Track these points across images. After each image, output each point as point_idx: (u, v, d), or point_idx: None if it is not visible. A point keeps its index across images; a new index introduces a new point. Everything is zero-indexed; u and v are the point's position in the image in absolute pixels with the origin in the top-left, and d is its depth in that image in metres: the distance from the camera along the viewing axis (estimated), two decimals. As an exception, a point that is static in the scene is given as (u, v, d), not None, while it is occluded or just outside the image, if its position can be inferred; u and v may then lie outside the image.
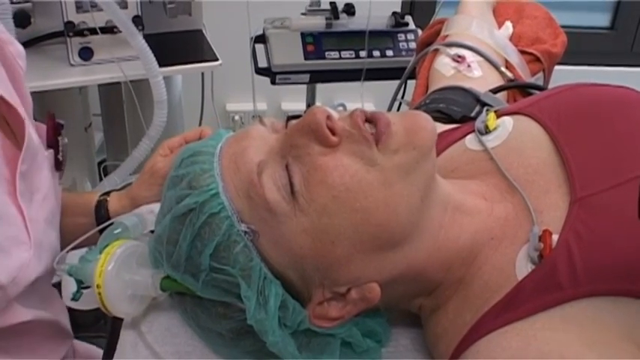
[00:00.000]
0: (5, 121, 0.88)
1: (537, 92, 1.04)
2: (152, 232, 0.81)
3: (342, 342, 0.74)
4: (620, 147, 0.74)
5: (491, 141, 0.83)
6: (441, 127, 0.92)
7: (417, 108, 1.05)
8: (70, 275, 0.80)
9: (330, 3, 1.71)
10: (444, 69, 1.13)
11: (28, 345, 0.91)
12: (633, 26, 2.61)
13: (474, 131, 0.86)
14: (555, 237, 0.69)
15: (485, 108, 0.92)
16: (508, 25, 1.23)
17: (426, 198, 0.70)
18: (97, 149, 2.09)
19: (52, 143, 0.94)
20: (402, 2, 2.34)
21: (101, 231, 0.85)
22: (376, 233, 0.68)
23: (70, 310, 0.99)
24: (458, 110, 0.97)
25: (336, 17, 1.69)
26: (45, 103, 1.50)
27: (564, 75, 1.27)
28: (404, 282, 0.73)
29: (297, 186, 0.67)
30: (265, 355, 0.72)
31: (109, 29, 1.48)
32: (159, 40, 1.53)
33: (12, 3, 1.40)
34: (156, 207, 0.82)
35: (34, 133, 0.88)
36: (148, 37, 1.44)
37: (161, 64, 1.47)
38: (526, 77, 1.17)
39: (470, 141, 0.86)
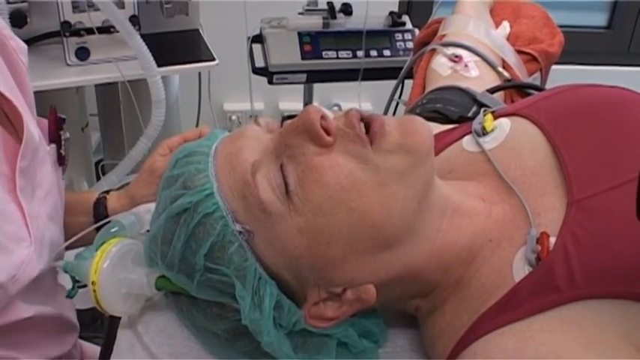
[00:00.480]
0: (6, 117, 0.88)
1: (534, 92, 1.04)
2: (149, 231, 0.81)
3: (339, 342, 0.74)
4: (618, 148, 0.74)
5: (489, 142, 0.82)
6: (438, 128, 0.92)
7: (414, 108, 1.04)
8: (66, 272, 0.80)
9: (328, 3, 1.71)
10: (441, 69, 1.13)
11: (31, 340, 0.91)
12: (630, 26, 2.62)
13: (471, 132, 0.85)
14: (553, 239, 0.69)
15: (482, 109, 0.92)
16: (505, 24, 1.23)
17: (424, 201, 0.70)
18: (93, 149, 2.09)
19: (54, 138, 0.94)
20: (400, 2, 2.34)
21: (98, 229, 0.85)
22: (371, 234, 0.68)
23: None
24: (455, 110, 0.97)
25: (334, 17, 1.69)
26: (41, 104, 1.49)
27: (561, 75, 1.27)
28: (401, 283, 0.73)
29: (292, 186, 0.67)
30: (261, 356, 0.72)
31: (106, 29, 1.48)
32: (156, 39, 1.53)
33: (8, 3, 1.40)
34: (154, 206, 0.82)
35: (34, 129, 0.88)
36: (144, 37, 1.44)
37: (158, 64, 1.47)
38: (523, 77, 1.17)
39: (467, 142, 0.85)
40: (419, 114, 0.99)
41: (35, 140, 0.87)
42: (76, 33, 1.47)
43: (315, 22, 1.68)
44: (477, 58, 1.13)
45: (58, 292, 0.95)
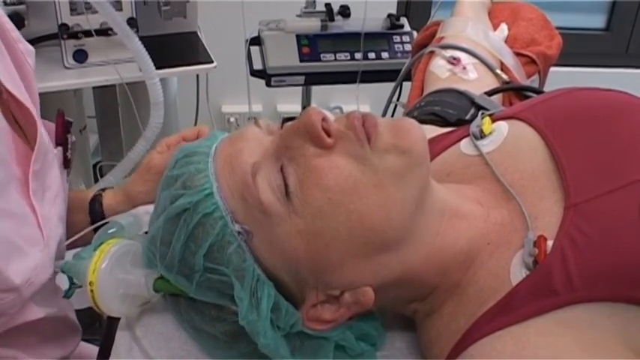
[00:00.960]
0: (14, 120, 0.88)
1: (533, 95, 1.04)
2: (147, 233, 0.81)
3: (336, 345, 0.74)
4: (616, 152, 0.74)
5: (487, 146, 0.82)
6: (436, 131, 0.92)
7: (412, 110, 1.04)
8: (64, 272, 0.80)
9: (326, 5, 1.71)
10: (440, 71, 1.13)
11: (36, 342, 0.91)
12: (628, 28, 2.62)
13: (468, 135, 0.85)
14: (550, 243, 0.69)
15: (480, 112, 0.92)
16: (503, 27, 1.23)
17: (421, 204, 0.70)
18: (91, 152, 2.09)
19: (61, 141, 0.94)
20: (398, 4, 2.35)
21: (97, 230, 0.85)
22: (370, 236, 0.68)
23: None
24: (453, 113, 0.97)
25: (332, 19, 1.69)
26: (39, 106, 1.49)
27: (560, 77, 1.27)
28: (399, 286, 0.72)
29: (292, 187, 0.67)
30: (259, 357, 0.72)
31: (104, 31, 1.48)
32: (153, 42, 1.53)
33: (5, 5, 1.41)
34: (152, 208, 0.82)
35: (44, 132, 0.89)
36: (142, 40, 1.44)
37: (156, 67, 1.46)
38: (521, 79, 1.17)
39: (465, 145, 0.85)
40: (417, 116, 0.99)
41: (46, 143, 0.88)
42: (74, 35, 1.47)
43: (313, 25, 1.68)
44: (476, 61, 1.13)
45: (58, 293, 0.95)
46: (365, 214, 0.67)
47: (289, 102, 2.48)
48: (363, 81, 1.70)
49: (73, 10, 1.45)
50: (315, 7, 1.72)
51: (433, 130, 0.92)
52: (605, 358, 0.64)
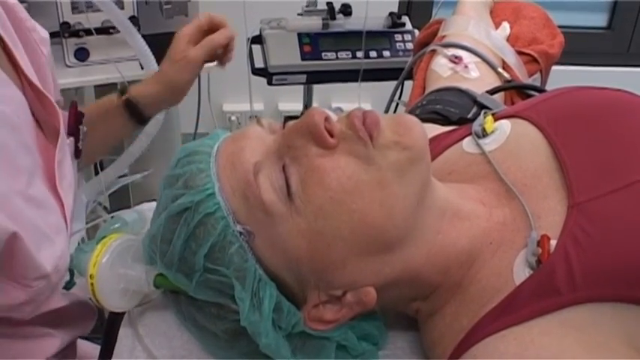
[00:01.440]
0: (31, 110, 0.89)
1: (535, 93, 1.04)
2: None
3: (338, 345, 0.74)
4: (619, 151, 0.74)
5: (489, 144, 0.82)
6: (438, 129, 0.92)
7: (413, 109, 1.04)
8: None
9: (327, 3, 1.71)
10: (441, 70, 1.12)
11: (64, 324, 0.96)
12: (630, 26, 2.62)
13: (471, 134, 0.85)
14: (553, 242, 0.69)
15: (482, 110, 0.92)
16: (505, 25, 1.23)
17: (422, 202, 0.70)
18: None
19: (73, 131, 0.96)
20: (399, 3, 2.34)
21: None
22: (372, 235, 0.67)
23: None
24: (455, 111, 0.97)
25: (333, 18, 1.69)
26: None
27: (561, 75, 1.27)
28: (400, 286, 0.72)
29: (294, 187, 0.67)
30: (261, 357, 0.72)
31: (105, 30, 1.48)
32: (155, 40, 1.52)
33: (7, 3, 1.40)
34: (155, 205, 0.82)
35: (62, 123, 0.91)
36: (144, 38, 1.43)
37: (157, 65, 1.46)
38: (523, 78, 1.17)
39: (467, 144, 0.85)
40: (418, 115, 0.98)
41: (64, 134, 0.90)
42: (75, 34, 1.47)
43: (314, 23, 1.68)
44: (477, 59, 1.13)
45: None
46: (367, 213, 0.67)
47: (291, 101, 2.48)
48: (364, 80, 1.70)
49: (75, 8, 1.45)
50: (316, 6, 1.72)
51: (435, 129, 0.92)
52: (609, 358, 0.63)
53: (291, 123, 0.72)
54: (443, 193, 0.74)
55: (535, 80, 1.21)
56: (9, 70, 0.85)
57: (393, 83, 1.41)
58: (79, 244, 0.88)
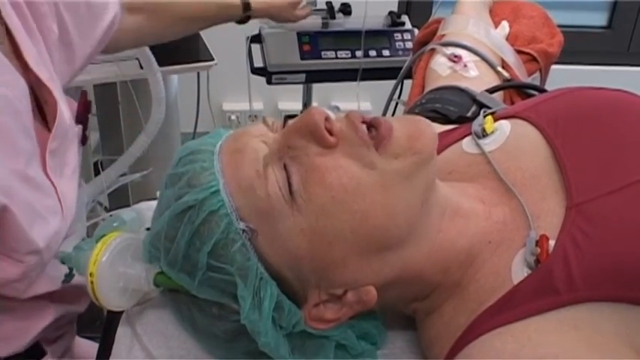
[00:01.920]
0: (34, 96, 0.90)
1: (534, 92, 1.04)
2: (148, 229, 0.81)
3: (337, 344, 0.74)
4: (618, 152, 0.74)
5: (489, 144, 0.82)
6: (438, 128, 0.92)
7: (413, 108, 1.04)
8: (63, 263, 0.80)
9: (326, 3, 1.71)
10: (441, 69, 1.12)
11: (59, 300, 0.99)
12: (630, 26, 2.62)
13: (470, 134, 0.85)
14: (552, 242, 0.69)
15: (482, 110, 0.92)
16: (504, 24, 1.23)
17: (426, 202, 0.70)
18: (92, 150, 2.08)
19: (81, 119, 0.99)
20: (399, 2, 2.34)
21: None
22: (373, 235, 0.67)
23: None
24: (454, 110, 0.97)
25: (332, 17, 1.69)
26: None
27: (561, 75, 1.27)
28: (401, 285, 0.72)
29: (295, 186, 0.67)
30: (260, 356, 0.72)
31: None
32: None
33: (7, 2, 1.40)
34: (154, 204, 0.82)
35: (66, 111, 0.91)
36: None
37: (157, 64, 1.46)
38: (523, 77, 1.17)
39: (467, 144, 0.85)
40: (418, 114, 0.98)
41: (66, 122, 0.91)
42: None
43: (314, 22, 1.68)
44: (477, 58, 1.13)
45: None
46: (369, 214, 0.67)
47: (290, 100, 2.48)
48: (363, 79, 1.70)
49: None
50: (315, 5, 1.71)
51: (435, 128, 0.92)
52: (608, 357, 0.63)
53: (291, 122, 0.72)
54: (443, 193, 0.74)
55: (534, 79, 1.21)
56: (12, 57, 0.86)
57: (392, 82, 1.41)
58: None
